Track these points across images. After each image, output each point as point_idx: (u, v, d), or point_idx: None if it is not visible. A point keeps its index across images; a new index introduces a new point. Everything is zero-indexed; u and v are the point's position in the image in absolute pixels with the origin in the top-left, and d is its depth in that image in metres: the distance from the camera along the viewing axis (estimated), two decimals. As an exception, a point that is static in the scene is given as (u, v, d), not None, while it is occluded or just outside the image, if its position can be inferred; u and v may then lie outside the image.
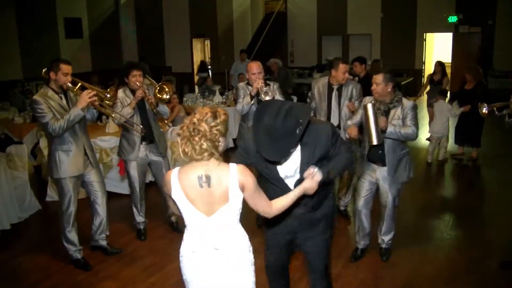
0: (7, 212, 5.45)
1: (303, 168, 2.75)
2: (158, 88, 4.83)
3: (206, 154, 2.33)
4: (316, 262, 3.17)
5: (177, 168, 2.45)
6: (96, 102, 4.22)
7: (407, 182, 4.45)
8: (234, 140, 8.58)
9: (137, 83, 4.75)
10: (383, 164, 4.27)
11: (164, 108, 4.99)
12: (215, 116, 2.36)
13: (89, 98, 4.10)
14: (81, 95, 4.13)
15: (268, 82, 5.20)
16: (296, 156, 2.78)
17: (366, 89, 5.46)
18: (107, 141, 6.55)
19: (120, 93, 4.87)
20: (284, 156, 2.60)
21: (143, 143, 4.96)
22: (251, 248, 2.63)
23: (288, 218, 3.02)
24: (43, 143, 6.59)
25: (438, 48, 17.18)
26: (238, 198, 2.43)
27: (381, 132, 3.91)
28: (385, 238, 4.57)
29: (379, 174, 4.33)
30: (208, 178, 2.37)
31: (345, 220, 5.54)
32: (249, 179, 2.40)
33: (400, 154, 4.27)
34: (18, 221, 5.62)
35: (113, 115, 4.69)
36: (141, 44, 18.15)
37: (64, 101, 4.28)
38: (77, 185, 4.46)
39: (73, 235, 4.49)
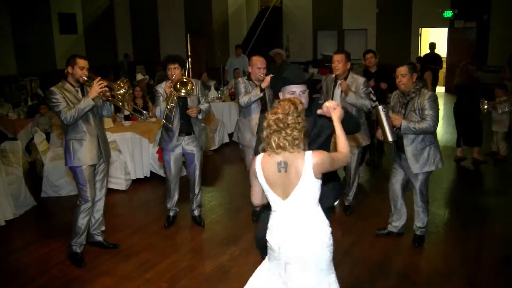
0: (2, 208, 5.43)
1: (307, 137, 2.97)
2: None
3: (297, 142, 2.58)
4: None
5: (261, 154, 2.71)
6: (108, 93, 4.34)
7: (433, 171, 4.59)
8: (230, 135, 8.58)
9: (173, 75, 4.87)
10: (403, 152, 4.50)
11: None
12: (296, 107, 2.62)
13: (100, 88, 4.22)
14: (92, 85, 4.24)
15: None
16: None
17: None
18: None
19: (162, 86, 5.05)
20: (304, 77, 3.20)
21: (182, 135, 5.09)
22: (328, 232, 2.74)
23: None
24: (38, 139, 6.57)
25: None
26: (310, 182, 2.61)
27: (396, 129, 4.23)
28: (417, 225, 4.75)
29: (404, 162, 4.57)
30: (286, 164, 2.60)
31: (345, 215, 5.54)
32: (323, 159, 2.61)
33: (421, 144, 4.42)
34: (13, 217, 5.59)
35: (124, 107, 4.79)
36: (136, 39, 18.08)
37: (80, 94, 4.38)
38: (92, 175, 4.51)
39: (83, 228, 4.53)
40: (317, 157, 2.60)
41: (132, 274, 4.33)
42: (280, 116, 2.58)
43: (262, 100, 5.12)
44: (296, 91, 3.13)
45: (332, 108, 2.88)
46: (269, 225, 2.79)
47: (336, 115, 2.86)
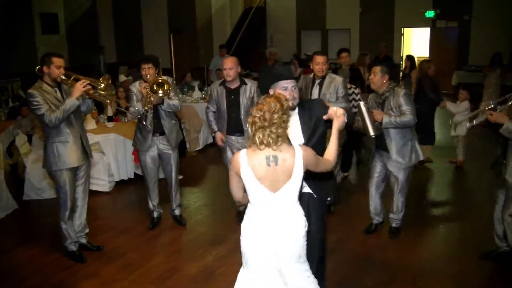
0: (-17, 211, 5.35)
1: (304, 131, 3.26)
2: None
3: (280, 139, 2.64)
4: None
5: (244, 150, 2.75)
6: (91, 91, 4.31)
7: (413, 165, 4.79)
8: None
9: (148, 75, 4.85)
10: (385, 149, 4.64)
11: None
12: (282, 105, 2.67)
13: (83, 87, 4.19)
14: (75, 85, 4.20)
15: (245, 81, 5.18)
16: (296, 125, 3.24)
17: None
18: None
19: (136, 86, 5.02)
20: (292, 74, 3.34)
21: (156, 134, 5.06)
22: (306, 224, 2.86)
23: None
24: (19, 141, 6.49)
25: (416, 42, 17.35)
26: (299, 176, 2.72)
27: (378, 124, 4.36)
28: (394, 217, 4.94)
29: (386, 159, 4.70)
30: (275, 157, 2.66)
31: (329, 213, 5.54)
32: (310, 156, 2.73)
33: (402, 141, 4.60)
34: (-6, 220, 5.52)
35: (108, 102, 4.74)
36: (119, 39, 17.95)
37: (58, 94, 4.33)
38: (74, 178, 4.48)
39: (69, 229, 4.51)
40: (306, 153, 2.71)
41: (116, 276, 4.30)
42: (267, 114, 2.62)
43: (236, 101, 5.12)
44: (288, 86, 3.18)
45: (336, 116, 2.95)
46: (253, 222, 2.80)
47: (338, 123, 2.94)
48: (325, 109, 3.17)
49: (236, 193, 2.90)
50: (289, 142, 2.77)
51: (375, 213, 5.03)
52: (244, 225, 2.87)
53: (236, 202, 5.23)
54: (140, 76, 5.07)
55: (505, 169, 4.06)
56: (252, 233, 2.80)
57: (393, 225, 4.98)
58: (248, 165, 2.69)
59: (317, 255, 3.45)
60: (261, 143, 2.63)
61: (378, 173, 4.88)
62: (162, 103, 4.93)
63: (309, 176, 3.01)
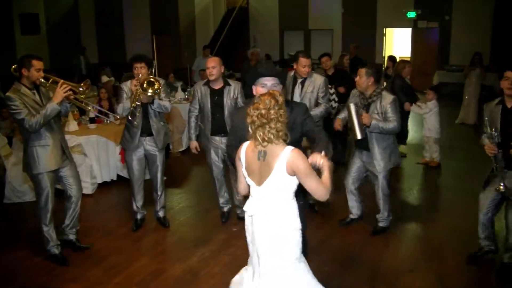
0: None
1: None
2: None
3: (281, 134, 2.69)
4: None
5: (247, 142, 2.84)
6: (71, 96, 4.29)
7: (393, 168, 4.93)
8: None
9: (140, 75, 4.83)
10: (367, 149, 4.74)
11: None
12: (277, 100, 2.71)
13: (64, 92, 4.16)
14: (56, 89, 4.17)
15: (229, 82, 5.19)
16: None
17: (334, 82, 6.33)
18: (67, 140, 6.39)
19: (127, 85, 5.00)
20: (275, 71, 3.31)
21: (144, 135, 5.05)
22: (298, 226, 2.88)
23: None
24: None
25: (397, 43, 17.52)
26: (281, 176, 2.71)
27: (365, 127, 4.44)
28: (378, 216, 5.04)
29: (366, 158, 4.83)
30: (265, 153, 2.72)
31: (313, 213, 5.58)
32: (299, 162, 2.67)
33: (384, 144, 4.71)
34: (-26, 224, 5.44)
35: (89, 108, 4.76)
36: (101, 40, 17.80)
37: (37, 97, 4.29)
38: (54, 181, 4.47)
39: (51, 232, 4.49)
40: (294, 157, 2.67)
41: (101, 279, 4.26)
42: (263, 111, 2.67)
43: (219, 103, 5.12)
44: (267, 84, 3.21)
45: (321, 166, 2.84)
46: (245, 207, 2.93)
47: (326, 169, 2.84)
48: (307, 117, 3.32)
49: (240, 185, 2.98)
50: (288, 141, 2.79)
51: (352, 207, 5.20)
52: (244, 208, 2.97)
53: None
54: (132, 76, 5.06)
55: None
56: (246, 218, 2.97)
57: (380, 224, 5.05)
58: (244, 156, 2.83)
59: None
60: (263, 140, 2.68)
61: (356, 170, 5.00)
62: (152, 102, 4.91)
63: None
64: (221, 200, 5.49)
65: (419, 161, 7.67)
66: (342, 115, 4.97)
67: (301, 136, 3.42)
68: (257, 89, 3.22)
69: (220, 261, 4.46)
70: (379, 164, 4.74)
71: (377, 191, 4.93)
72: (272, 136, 2.67)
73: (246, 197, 3.00)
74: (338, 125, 4.90)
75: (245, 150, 2.84)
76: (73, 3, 16.78)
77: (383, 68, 9.90)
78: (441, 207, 5.91)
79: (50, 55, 15.12)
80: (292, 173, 2.69)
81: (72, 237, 4.78)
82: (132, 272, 4.38)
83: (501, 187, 3.98)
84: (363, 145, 4.76)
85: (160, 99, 4.95)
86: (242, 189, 2.99)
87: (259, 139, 2.68)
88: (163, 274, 4.35)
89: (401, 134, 7.32)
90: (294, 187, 2.78)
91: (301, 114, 3.35)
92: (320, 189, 2.72)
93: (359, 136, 4.43)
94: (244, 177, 2.88)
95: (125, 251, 4.81)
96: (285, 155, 2.68)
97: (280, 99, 2.75)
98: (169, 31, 16.72)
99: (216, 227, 5.32)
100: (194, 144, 5.31)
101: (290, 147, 2.71)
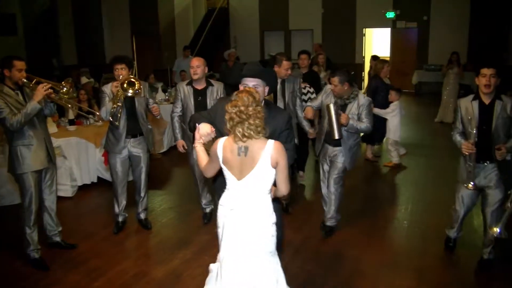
0: None
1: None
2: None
3: (260, 129, 2.78)
4: None
5: (224, 138, 2.91)
6: (52, 95, 4.28)
7: (349, 170, 4.98)
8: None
9: (120, 76, 4.79)
10: (335, 145, 4.80)
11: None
12: (254, 97, 2.81)
13: (45, 90, 4.15)
14: (36, 88, 4.17)
15: (211, 82, 5.19)
16: None
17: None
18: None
19: (108, 87, 4.95)
20: (257, 71, 3.29)
21: (128, 137, 5.02)
22: (274, 218, 2.96)
23: None
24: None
25: (377, 43, 17.67)
26: (265, 169, 2.81)
27: (342, 126, 4.54)
28: (329, 216, 5.05)
29: (331, 152, 4.87)
30: (246, 148, 2.80)
31: (287, 214, 5.58)
32: (282, 157, 2.81)
33: (352, 143, 4.81)
34: (-49, 229, 5.33)
35: (69, 106, 4.71)
36: (79, 41, 17.58)
37: (20, 97, 4.29)
38: (38, 181, 4.45)
39: (34, 235, 4.46)
40: (277, 149, 2.79)
41: (81, 284, 4.21)
42: (242, 108, 2.76)
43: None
44: (248, 84, 3.21)
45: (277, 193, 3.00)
46: (221, 201, 3.00)
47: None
48: (286, 129, 3.32)
49: (208, 170, 3.04)
50: (266, 135, 2.86)
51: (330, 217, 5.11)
52: (220, 202, 3.03)
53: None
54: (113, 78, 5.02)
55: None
56: (222, 211, 2.99)
57: (328, 223, 5.05)
58: (222, 152, 2.88)
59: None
60: (243, 136, 2.77)
61: (327, 173, 5.03)
62: (134, 105, 4.93)
63: None
64: (204, 201, 5.48)
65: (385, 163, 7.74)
66: (315, 103, 5.06)
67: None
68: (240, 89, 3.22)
69: (203, 262, 4.44)
70: (349, 161, 4.81)
71: (334, 187, 4.90)
72: (252, 132, 2.76)
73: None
74: (309, 113, 5.09)
75: (222, 145, 2.89)
76: (51, 3, 16.54)
77: (369, 68, 9.93)
78: (420, 204, 5.97)
79: (27, 56, 14.86)
80: (275, 165, 2.81)
81: (57, 239, 4.79)
82: (113, 276, 4.33)
83: (470, 185, 4.10)
84: (336, 143, 4.80)
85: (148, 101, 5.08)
86: (211, 173, 3.05)
87: (239, 135, 2.77)
88: (145, 277, 4.31)
89: (375, 134, 7.47)
90: (272, 180, 2.89)
91: (283, 124, 3.32)
92: (287, 183, 2.90)
93: (337, 136, 4.52)
94: (223, 171, 2.94)
95: (106, 254, 4.77)
96: (269, 148, 2.79)
97: (257, 96, 2.87)
98: (149, 32, 16.60)
99: (199, 228, 5.30)
100: (181, 142, 5.26)
101: (272, 140, 2.82)
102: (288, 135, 3.36)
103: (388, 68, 7.70)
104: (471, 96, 4.18)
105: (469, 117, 4.08)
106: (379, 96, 7.35)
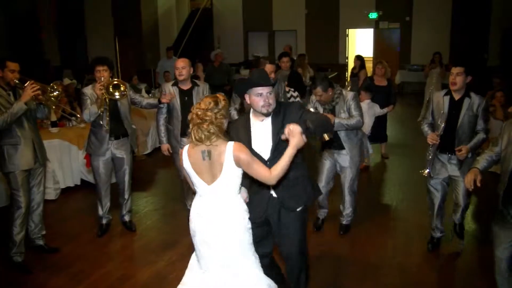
0: None
1: (274, 137, 3.18)
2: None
3: (213, 137, 2.79)
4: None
5: (186, 146, 2.95)
6: (40, 96, 4.28)
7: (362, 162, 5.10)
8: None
9: (102, 78, 4.76)
10: (340, 148, 4.80)
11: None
12: (216, 103, 2.82)
13: (33, 92, 4.16)
14: (24, 88, 4.18)
15: (196, 82, 5.18)
16: (267, 130, 3.22)
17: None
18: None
19: (89, 89, 4.91)
20: (269, 79, 3.20)
21: (111, 138, 5.00)
22: (247, 217, 3.00)
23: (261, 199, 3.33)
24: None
25: (360, 43, 17.80)
26: (232, 171, 2.85)
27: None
28: (345, 213, 5.10)
29: (338, 157, 4.87)
30: (209, 152, 2.83)
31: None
32: (242, 154, 2.80)
33: (355, 140, 4.83)
34: None
35: (54, 107, 4.71)
36: (62, 43, 17.39)
37: (12, 98, 4.30)
38: (27, 181, 4.44)
39: (20, 236, 4.42)
40: (236, 149, 2.81)
41: (65, 287, 4.17)
42: (199, 112, 2.81)
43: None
44: (263, 93, 3.15)
45: (292, 135, 2.76)
46: (196, 209, 2.99)
47: (293, 142, 2.75)
48: (302, 113, 3.19)
49: (189, 183, 3.09)
50: (225, 139, 2.87)
51: (321, 207, 5.22)
52: (191, 211, 3.04)
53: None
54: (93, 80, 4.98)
55: None
56: (194, 220, 2.99)
57: (344, 222, 5.11)
58: (188, 159, 2.91)
59: (297, 270, 3.46)
60: (195, 138, 2.82)
61: (328, 170, 5.00)
62: (117, 106, 4.91)
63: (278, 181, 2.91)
64: (189, 203, 5.42)
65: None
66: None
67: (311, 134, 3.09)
68: (251, 98, 3.17)
69: (188, 264, 4.41)
70: (352, 160, 4.82)
71: (345, 188, 4.97)
72: (203, 136, 2.79)
73: None
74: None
75: (186, 151, 2.92)
76: (33, 3, 16.33)
77: (352, 68, 9.98)
78: (404, 203, 6.03)
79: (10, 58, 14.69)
80: (238, 162, 2.82)
81: (40, 242, 4.77)
82: (97, 279, 4.30)
83: (426, 171, 4.42)
84: (337, 145, 4.81)
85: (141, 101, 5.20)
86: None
87: (192, 137, 2.83)
88: (130, 279, 4.28)
89: (382, 133, 7.68)
90: (240, 179, 2.92)
91: (295, 113, 3.20)
92: (263, 174, 2.80)
93: (326, 138, 4.48)
94: (191, 178, 2.96)
95: (90, 257, 4.72)
96: (230, 149, 2.81)
97: (222, 103, 2.86)
98: (132, 33, 16.48)
99: (184, 230, 5.23)
100: (166, 146, 5.28)
101: (232, 142, 2.85)
102: (309, 114, 3.21)
103: (382, 68, 7.89)
104: (444, 91, 4.39)
105: (442, 111, 4.27)
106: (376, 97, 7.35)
